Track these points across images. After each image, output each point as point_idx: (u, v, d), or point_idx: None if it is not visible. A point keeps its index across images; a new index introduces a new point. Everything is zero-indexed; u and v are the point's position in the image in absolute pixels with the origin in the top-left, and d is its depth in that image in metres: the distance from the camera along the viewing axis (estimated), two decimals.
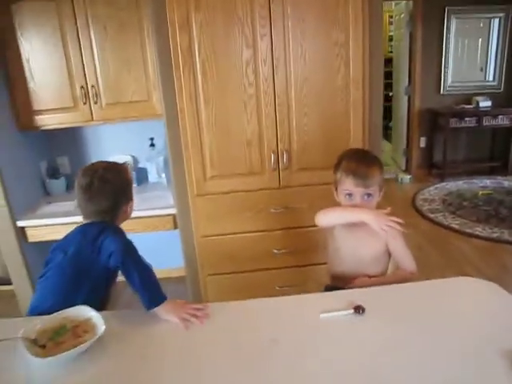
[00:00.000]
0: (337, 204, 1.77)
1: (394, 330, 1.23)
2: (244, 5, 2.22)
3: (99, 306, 1.47)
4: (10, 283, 2.93)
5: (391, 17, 7.36)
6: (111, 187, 1.63)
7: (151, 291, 1.41)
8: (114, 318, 1.37)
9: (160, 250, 3.20)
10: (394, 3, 6.28)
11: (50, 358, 1.15)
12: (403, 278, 1.65)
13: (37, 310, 1.49)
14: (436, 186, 5.55)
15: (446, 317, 1.28)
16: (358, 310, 1.29)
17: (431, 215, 4.54)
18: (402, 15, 5.88)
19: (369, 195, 1.68)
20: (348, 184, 1.68)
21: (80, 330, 1.26)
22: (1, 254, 2.90)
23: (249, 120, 2.39)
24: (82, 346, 1.19)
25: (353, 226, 1.69)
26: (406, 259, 1.72)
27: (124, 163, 1.89)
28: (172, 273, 3.22)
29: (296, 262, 2.64)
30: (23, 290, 2.86)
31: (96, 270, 1.52)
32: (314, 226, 1.93)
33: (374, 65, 2.37)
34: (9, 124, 2.74)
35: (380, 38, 2.37)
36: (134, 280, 1.41)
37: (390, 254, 1.77)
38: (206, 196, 2.52)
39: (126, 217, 1.77)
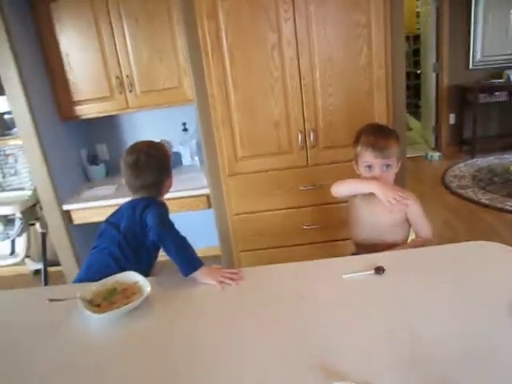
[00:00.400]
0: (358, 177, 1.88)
1: (411, 289, 1.33)
2: None
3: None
4: (58, 264, 3.14)
5: None
6: (155, 162, 1.78)
7: (187, 258, 1.55)
8: (157, 282, 1.52)
9: (196, 229, 3.36)
10: None
11: (104, 314, 1.33)
12: (418, 245, 1.74)
13: (86, 278, 1.65)
14: (466, 162, 5.52)
15: (460, 276, 1.36)
16: (379, 270, 1.40)
17: (461, 191, 4.55)
18: None
19: (387, 166, 1.78)
20: (368, 156, 1.78)
21: (129, 292, 1.42)
22: (50, 236, 3.11)
23: (276, 102, 2.50)
24: (131, 304, 1.35)
25: (372, 195, 1.77)
26: (423, 227, 1.81)
27: (161, 141, 2.02)
28: (209, 251, 3.36)
29: (325, 238, 2.74)
30: (70, 269, 3.05)
31: (145, 243, 1.68)
32: (342, 202, 2.06)
33: (396, 43, 2.42)
34: (52, 115, 2.93)
35: (402, 17, 2.41)
36: (170, 250, 1.55)
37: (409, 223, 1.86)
38: (238, 176, 2.65)
39: (167, 190, 1.91)
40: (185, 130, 3.24)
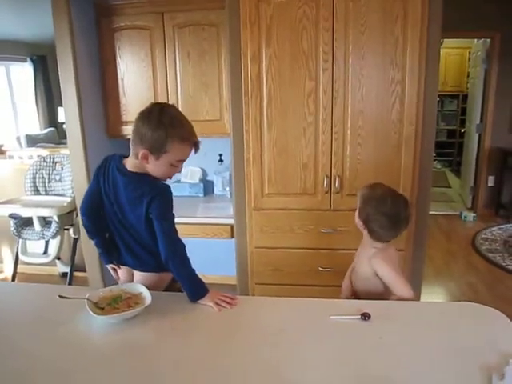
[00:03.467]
0: None
1: (393, 338, 1.39)
2: (310, 41, 2.47)
3: None
4: (84, 270, 3.32)
5: (470, 53, 7.33)
6: (161, 125, 1.59)
7: (196, 286, 1.64)
8: (160, 296, 1.64)
9: (216, 257, 3.49)
10: (475, 40, 6.29)
11: (105, 316, 1.47)
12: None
13: None
14: (500, 226, 5.44)
15: (444, 332, 1.41)
16: (365, 316, 1.47)
17: (489, 254, 4.50)
18: (479, 53, 5.89)
19: None
20: None
21: (132, 301, 1.56)
22: (80, 243, 3.31)
23: (306, 145, 2.62)
24: (131, 311, 1.49)
25: (365, 245, 1.90)
26: (396, 288, 1.75)
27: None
28: (226, 279, 3.47)
29: (338, 282, 2.78)
30: (94, 276, 3.23)
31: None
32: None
33: (428, 101, 2.51)
34: (101, 131, 3.18)
35: (436, 76, 2.51)
36: (180, 276, 1.65)
37: None
38: (262, 210, 2.77)
39: (148, 169, 1.68)
40: (220, 160, 3.41)
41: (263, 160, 2.68)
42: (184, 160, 1.68)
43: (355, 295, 1.95)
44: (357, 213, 1.91)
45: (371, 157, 2.60)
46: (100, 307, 1.51)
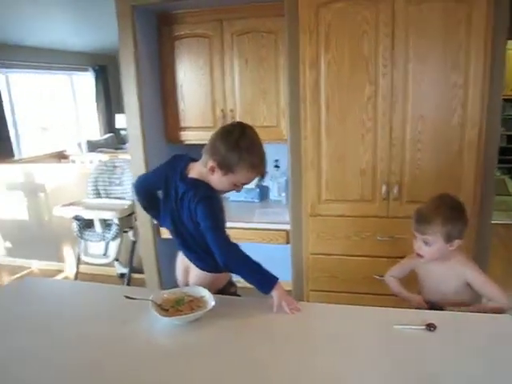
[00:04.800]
0: None
1: (458, 351, 1.34)
2: (369, 46, 2.44)
3: None
4: (142, 272, 3.41)
5: None
6: (237, 147, 1.64)
7: (264, 278, 1.65)
8: (222, 300, 1.66)
9: (271, 262, 3.48)
10: None
11: (170, 318, 1.51)
12: (492, 309, 1.68)
13: None
14: None
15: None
16: (430, 327, 1.42)
17: None
18: None
19: (426, 242, 1.78)
20: (412, 226, 1.83)
21: (194, 304, 1.58)
22: (139, 245, 3.40)
23: (365, 151, 2.59)
24: (194, 314, 1.52)
25: (433, 264, 1.82)
26: (490, 294, 1.75)
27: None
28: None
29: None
30: (151, 278, 3.31)
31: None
32: None
33: (492, 103, 2.42)
34: (160, 137, 3.26)
35: (502, 80, 2.42)
36: (242, 274, 1.66)
37: None
38: (319, 217, 2.76)
39: (211, 180, 1.73)
40: (276, 166, 3.42)
41: (321, 166, 2.67)
42: (247, 184, 1.76)
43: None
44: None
45: (431, 163, 2.54)
46: (164, 309, 1.55)
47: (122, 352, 1.40)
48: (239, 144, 1.64)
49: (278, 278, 1.64)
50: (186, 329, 1.49)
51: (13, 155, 6.83)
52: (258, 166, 1.70)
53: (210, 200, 1.68)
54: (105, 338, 1.48)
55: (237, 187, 1.74)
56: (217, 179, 1.70)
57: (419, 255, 1.83)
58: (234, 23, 2.99)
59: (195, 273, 1.84)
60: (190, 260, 1.85)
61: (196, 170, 1.75)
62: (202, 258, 1.80)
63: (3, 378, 1.29)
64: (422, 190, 2.57)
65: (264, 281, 1.64)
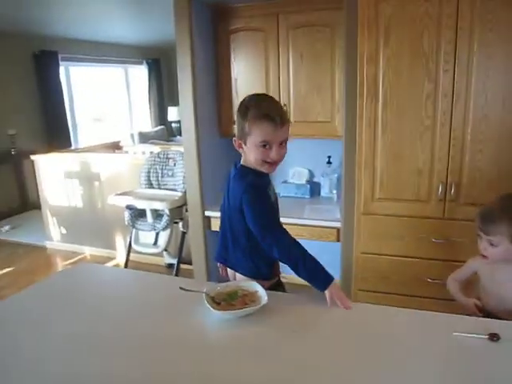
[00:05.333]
0: None
1: None
2: (430, 40, 2.36)
3: None
4: (190, 263, 3.45)
5: None
6: (241, 110, 1.64)
7: (320, 276, 1.61)
8: (276, 296, 1.65)
9: (320, 258, 3.45)
10: None
11: (223, 312, 1.50)
12: None
13: None
14: None
15: None
16: (493, 337, 1.34)
17: None
18: None
19: (491, 244, 1.71)
20: (475, 227, 1.76)
21: (248, 298, 1.57)
22: (188, 236, 3.44)
23: (422, 150, 2.51)
24: (248, 309, 1.51)
25: (495, 269, 1.75)
26: None
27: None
28: None
29: (449, 296, 2.64)
30: (200, 270, 3.35)
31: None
32: None
33: None
34: (213, 130, 3.29)
35: None
36: (300, 272, 1.62)
37: None
38: (371, 215, 2.70)
39: (246, 157, 1.70)
40: (329, 162, 3.37)
41: (376, 164, 2.61)
42: (270, 141, 1.60)
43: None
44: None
45: (493, 165, 2.43)
46: (217, 302, 1.55)
47: (173, 342, 1.41)
48: (243, 105, 1.63)
49: (333, 278, 1.61)
50: (238, 323, 1.49)
51: (70, 145, 7.09)
52: (262, 115, 1.57)
53: (256, 190, 1.65)
54: (158, 328, 1.50)
55: (264, 151, 1.61)
56: (247, 153, 1.66)
57: (484, 256, 1.76)
58: (290, 17, 2.96)
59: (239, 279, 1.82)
60: (231, 266, 1.84)
61: (241, 160, 1.76)
62: (241, 263, 1.79)
63: (59, 363, 1.33)
64: (482, 192, 2.47)
65: (319, 279, 1.61)
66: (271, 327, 1.49)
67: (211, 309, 1.48)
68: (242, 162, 1.74)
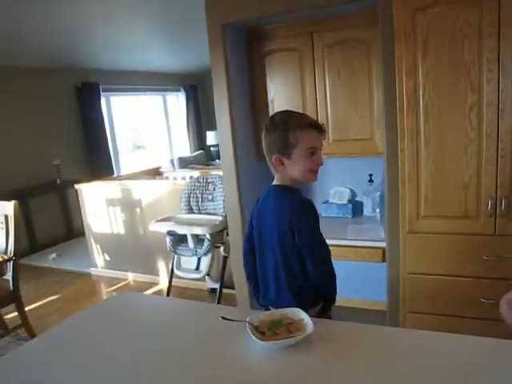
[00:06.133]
0: None
1: None
2: (471, 50, 2.26)
3: None
4: (233, 287, 3.40)
5: None
6: (275, 126, 1.67)
7: None
8: (322, 323, 1.58)
9: (365, 280, 3.36)
10: None
11: (268, 343, 1.44)
12: None
13: None
14: None
15: None
16: None
17: None
18: None
19: None
20: None
21: (293, 327, 1.50)
22: (230, 260, 3.40)
23: (468, 163, 2.40)
24: (294, 338, 1.44)
25: None
26: None
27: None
28: (373, 305, 3.32)
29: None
30: (242, 294, 3.29)
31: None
32: None
33: None
34: (251, 153, 3.26)
35: None
36: None
37: None
38: (417, 234, 2.59)
39: (288, 172, 1.70)
40: (370, 181, 3.29)
41: (419, 180, 2.51)
42: (316, 148, 1.65)
43: None
44: None
45: None
46: (260, 331, 1.49)
47: (216, 374, 1.37)
48: (274, 123, 1.67)
49: None
50: (283, 354, 1.42)
51: (112, 173, 7.25)
52: (305, 122, 1.65)
53: (313, 210, 1.68)
54: (201, 361, 1.46)
55: (312, 159, 1.64)
56: (290, 168, 1.66)
57: None
58: (325, 35, 2.93)
59: None
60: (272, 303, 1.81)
61: (275, 180, 1.76)
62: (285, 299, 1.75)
63: None
64: None
65: None
66: (317, 356, 1.42)
67: (255, 338, 1.43)
68: (278, 183, 1.72)
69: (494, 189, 2.39)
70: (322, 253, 1.70)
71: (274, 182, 1.76)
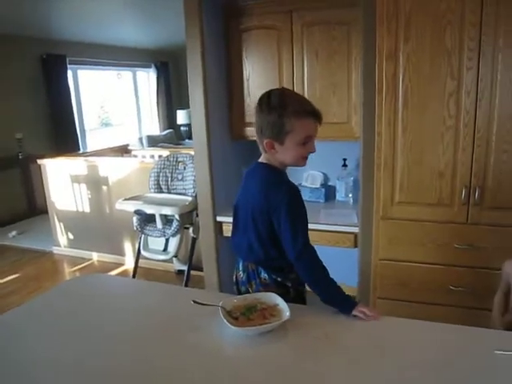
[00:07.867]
0: None
1: None
2: (453, 37, 2.24)
3: None
4: (201, 269, 3.34)
5: None
6: (271, 109, 1.56)
7: (342, 298, 1.56)
8: (297, 309, 1.53)
9: (335, 265, 3.34)
10: None
11: (242, 329, 1.38)
12: None
13: None
14: None
15: None
16: None
17: None
18: None
19: None
20: None
21: (267, 312, 1.45)
22: (199, 242, 3.33)
23: (444, 151, 2.39)
24: (269, 325, 1.38)
25: None
26: None
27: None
28: (345, 290, 3.30)
29: (473, 304, 2.52)
30: (211, 276, 3.24)
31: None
32: (499, 268, 1.87)
33: None
34: (224, 133, 3.16)
35: None
36: (322, 293, 1.58)
37: None
38: (391, 220, 2.58)
39: (278, 157, 1.63)
40: (344, 165, 3.25)
41: (395, 165, 2.48)
42: (312, 136, 1.59)
43: None
44: None
45: None
46: (234, 317, 1.43)
47: (187, 360, 1.31)
48: (271, 104, 1.55)
49: (356, 302, 1.55)
50: (257, 340, 1.37)
51: (78, 149, 7.03)
52: (303, 110, 1.54)
53: (299, 199, 1.63)
54: (171, 345, 1.40)
55: (305, 147, 1.58)
56: (281, 153, 1.59)
57: None
58: (305, 14, 2.84)
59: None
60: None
61: (262, 158, 1.69)
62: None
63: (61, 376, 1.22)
64: (508, 195, 2.35)
65: (344, 302, 1.56)
66: (292, 343, 1.38)
67: (228, 325, 1.37)
68: (265, 161, 1.67)
69: (468, 178, 2.39)
70: (306, 251, 1.62)
71: (261, 160, 1.69)
